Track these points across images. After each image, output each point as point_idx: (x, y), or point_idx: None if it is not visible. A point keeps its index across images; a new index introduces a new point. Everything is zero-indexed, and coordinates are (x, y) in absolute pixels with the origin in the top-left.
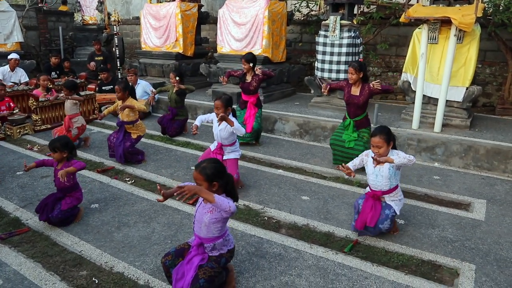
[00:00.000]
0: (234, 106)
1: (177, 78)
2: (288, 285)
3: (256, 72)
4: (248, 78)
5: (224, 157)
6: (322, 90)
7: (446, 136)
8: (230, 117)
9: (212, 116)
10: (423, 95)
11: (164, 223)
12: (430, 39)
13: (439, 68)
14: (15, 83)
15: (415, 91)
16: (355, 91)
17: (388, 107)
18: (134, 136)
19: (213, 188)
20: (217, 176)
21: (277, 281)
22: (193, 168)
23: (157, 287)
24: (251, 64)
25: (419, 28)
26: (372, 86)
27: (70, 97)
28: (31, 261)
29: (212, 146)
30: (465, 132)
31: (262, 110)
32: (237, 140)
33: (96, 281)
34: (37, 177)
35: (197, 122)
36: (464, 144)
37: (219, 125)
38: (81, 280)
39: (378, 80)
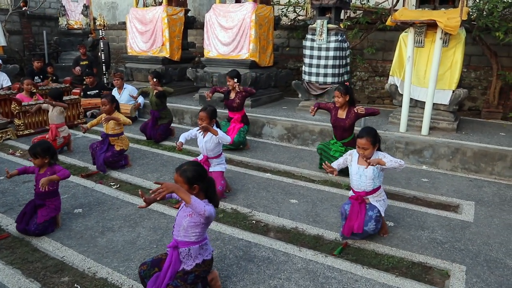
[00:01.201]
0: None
1: (155, 80)
2: None
3: (236, 89)
4: (232, 95)
5: (210, 169)
6: (310, 111)
7: (433, 139)
8: (214, 127)
9: (195, 131)
10: (410, 98)
11: (149, 228)
12: (416, 43)
13: (426, 72)
14: None
15: (402, 95)
16: (342, 114)
17: None
18: (117, 148)
19: (194, 191)
20: (198, 179)
21: (265, 285)
22: None
23: None
24: (235, 80)
25: (405, 32)
26: (356, 110)
27: (54, 103)
28: (10, 267)
29: (199, 158)
30: (452, 135)
31: (250, 113)
32: (222, 153)
33: (78, 287)
34: (18, 182)
35: (181, 139)
36: (451, 146)
37: (203, 136)
38: (62, 287)
39: (362, 107)
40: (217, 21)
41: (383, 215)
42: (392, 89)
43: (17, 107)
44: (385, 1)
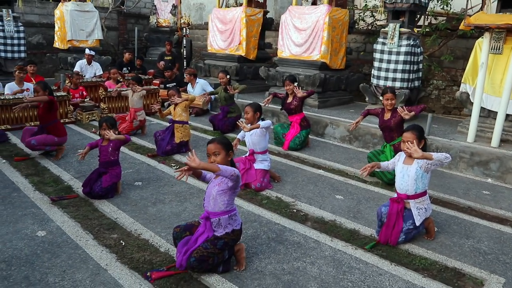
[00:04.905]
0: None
1: (228, 77)
2: (299, 270)
3: (297, 94)
4: (290, 98)
5: (255, 166)
6: (356, 121)
7: (503, 151)
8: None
9: (243, 133)
10: (484, 108)
11: (196, 204)
12: (494, 49)
13: (502, 80)
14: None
15: (473, 103)
16: (387, 115)
17: (447, 120)
18: (177, 140)
19: (229, 157)
20: (231, 146)
21: (289, 265)
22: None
23: (175, 256)
24: (295, 84)
25: (482, 38)
26: (402, 116)
27: (136, 87)
28: (73, 221)
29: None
30: None
31: (315, 113)
32: (268, 150)
33: (123, 243)
34: (94, 155)
35: (239, 136)
36: None
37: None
38: (110, 241)
39: (409, 113)
40: (291, 22)
41: (418, 224)
42: (463, 97)
43: (103, 92)
44: (475, 6)
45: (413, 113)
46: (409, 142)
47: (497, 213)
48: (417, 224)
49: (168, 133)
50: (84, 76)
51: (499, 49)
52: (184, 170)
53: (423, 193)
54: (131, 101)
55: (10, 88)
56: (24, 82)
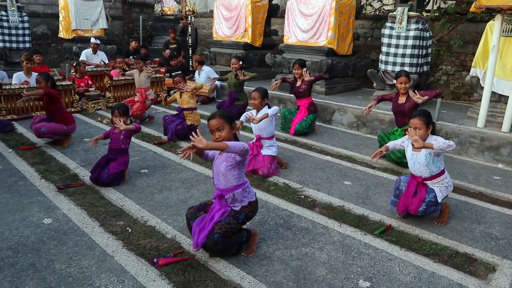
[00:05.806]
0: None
1: (241, 63)
2: (307, 256)
3: (305, 78)
4: (298, 82)
5: (263, 152)
6: (369, 106)
7: None
8: (265, 109)
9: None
10: (494, 92)
11: (203, 191)
12: (505, 32)
13: None
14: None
15: (483, 88)
16: (402, 100)
17: (457, 106)
18: (188, 123)
19: (233, 130)
20: (233, 119)
21: (297, 251)
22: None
23: (182, 242)
24: (304, 69)
25: (493, 20)
26: (416, 101)
27: (147, 67)
28: (79, 208)
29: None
30: None
31: (323, 100)
32: (275, 136)
33: (129, 230)
34: (99, 143)
35: (242, 118)
36: None
37: (256, 114)
38: (116, 228)
39: (421, 97)
40: (298, 8)
41: (440, 200)
42: (473, 81)
43: (108, 81)
44: None
45: (426, 97)
46: (416, 129)
47: (509, 198)
48: (439, 200)
49: (179, 118)
50: (102, 62)
51: (511, 31)
52: (188, 148)
53: (440, 174)
54: (138, 81)
55: (18, 77)
56: (32, 72)
